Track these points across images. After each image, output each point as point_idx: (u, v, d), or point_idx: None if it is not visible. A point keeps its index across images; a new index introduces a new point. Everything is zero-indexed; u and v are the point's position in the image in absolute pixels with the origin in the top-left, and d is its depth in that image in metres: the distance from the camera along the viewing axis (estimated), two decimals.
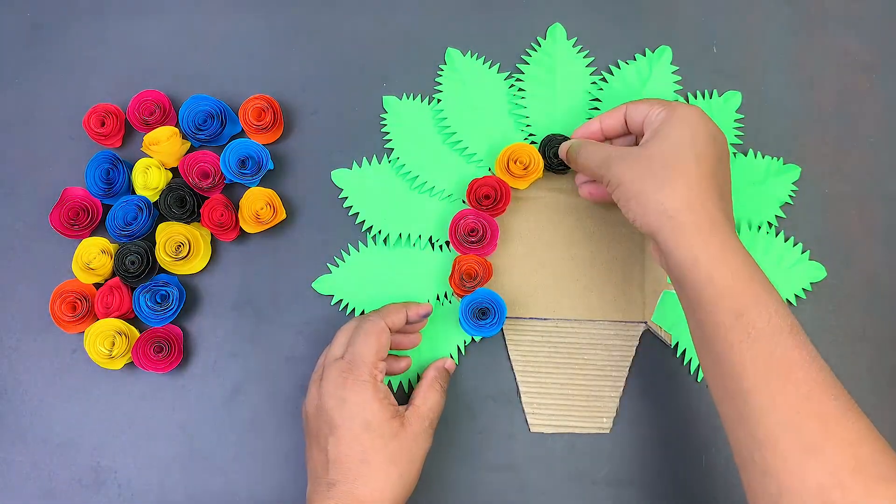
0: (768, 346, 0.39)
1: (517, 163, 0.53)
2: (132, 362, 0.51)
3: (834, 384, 0.38)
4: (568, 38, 0.58)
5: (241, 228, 0.53)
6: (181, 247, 0.52)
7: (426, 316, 0.50)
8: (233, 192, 0.55)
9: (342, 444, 0.43)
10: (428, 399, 0.47)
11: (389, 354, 0.48)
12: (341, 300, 0.54)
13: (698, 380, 0.53)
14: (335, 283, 0.54)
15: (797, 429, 0.37)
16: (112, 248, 0.52)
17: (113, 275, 0.53)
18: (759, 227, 0.55)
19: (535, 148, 0.54)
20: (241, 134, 0.56)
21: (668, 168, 0.43)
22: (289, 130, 0.57)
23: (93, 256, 0.52)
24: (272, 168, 0.54)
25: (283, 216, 0.53)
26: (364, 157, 0.56)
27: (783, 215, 0.55)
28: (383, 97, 0.57)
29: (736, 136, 0.57)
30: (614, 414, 0.53)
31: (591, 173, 0.48)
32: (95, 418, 0.53)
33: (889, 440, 0.53)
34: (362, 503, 0.42)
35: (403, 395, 0.53)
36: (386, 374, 0.47)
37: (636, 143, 0.49)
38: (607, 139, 0.51)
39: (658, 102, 0.47)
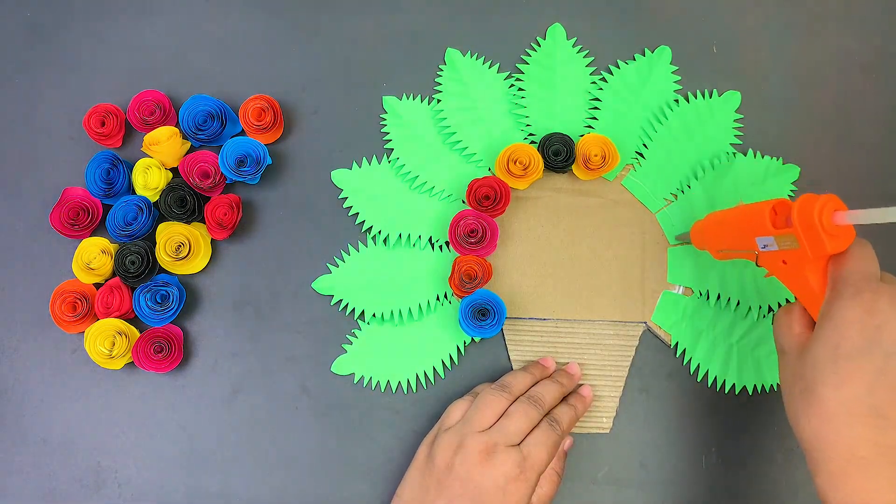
0: None
1: (517, 163, 0.53)
2: (132, 362, 0.51)
3: None
4: (568, 38, 0.58)
5: (234, 229, 0.53)
6: (181, 247, 0.52)
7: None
8: (235, 192, 0.55)
9: None
10: (545, 494, 0.47)
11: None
12: (341, 300, 0.54)
13: (698, 380, 0.53)
14: (335, 283, 0.54)
15: None
16: (112, 248, 0.52)
17: (113, 275, 0.53)
18: None
19: (534, 148, 0.54)
20: (242, 134, 0.56)
21: (806, 392, 0.37)
22: (289, 130, 0.57)
23: (93, 256, 0.52)
24: (270, 163, 0.54)
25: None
26: (364, 157, 0.56)
27: None
28: (383, 97, 0.57)
29: (736, 136, 0.57)
30: (614, 414, 0.53)
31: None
32: (95, 418, 0.53)
33: None
34: None
35: (402, 396, 0.53)
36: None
37: None
38: None
39: (840, 277, 0.38)
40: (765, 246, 0.42)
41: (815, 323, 0.40)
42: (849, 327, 0.36)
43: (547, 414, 0.48)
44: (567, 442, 0.50)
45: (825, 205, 0.38)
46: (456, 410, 0.48)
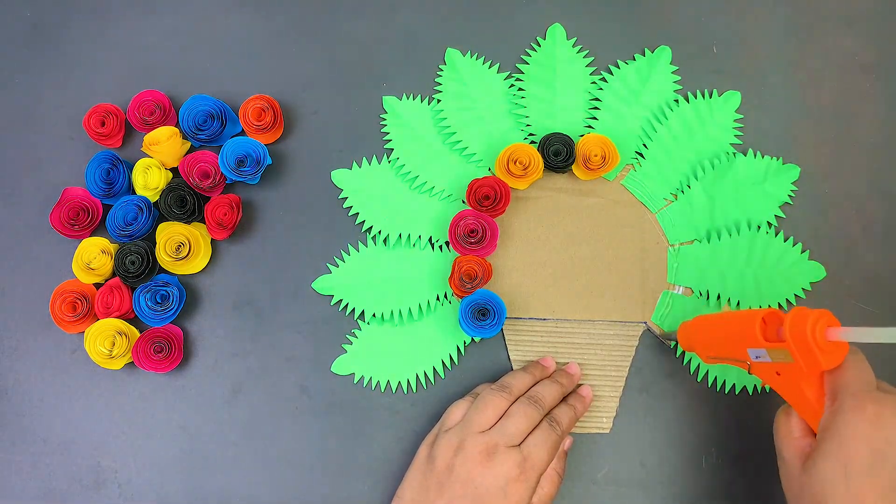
0: None
1: (517, 163, 0.53)
2: (132, 362, 0.51)
3: None
4: (568, 38, 0.58)
5: (234, 229, 0.54)
6: (181, 247, 0.52)
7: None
8: (235, 192, 0.55)
9: None
10: (545, 494, 0.47)
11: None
12: (341, 300, 0.54)
13: (698, 380, 0.53)
14: (335, 283, 0.54)
15: None
16: (112, 248, 0.52)
17: (113, 275, 0.53)
18: (759, 227, 0.55)
19: (534, 148, 0.54)
20: (242, 134, 0.56)
21: None
22: (289, 130, 0.57)
23: (93, 256, 0.52)
24: (270, 163, 0.54)
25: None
26: (364, 157, 0.56)
27: (783, 215, 0.55)
28: (383, 97, 0.57)
29: (736, 136, 0.57)
30: (614, 414, 0.53)
31: None
32: (95, 418, 0.53)
33: None
34: None
35: (402, 396, 0.53)
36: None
37: None
38: None
39: (837, 389, 0.38)
40: (757, 357, 0.41)
41: (813, 430, 0.40)
42: (857, 443, 0.36)
43: (547, 414, 0.48)
44: (567, 442, 0.50)
45: (817, 321, 0.37)
46: (456, 411, 0.48)
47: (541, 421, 0.47)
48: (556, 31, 0.58)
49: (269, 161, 0.54)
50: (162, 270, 0.53)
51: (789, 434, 0.41)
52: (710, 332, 0.46)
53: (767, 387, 0.53)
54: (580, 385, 0.52)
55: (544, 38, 0.58)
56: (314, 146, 0.57)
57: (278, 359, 0.53)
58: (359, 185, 0.55)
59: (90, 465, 0.52)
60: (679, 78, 0.58)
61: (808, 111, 0.58)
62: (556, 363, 0.52)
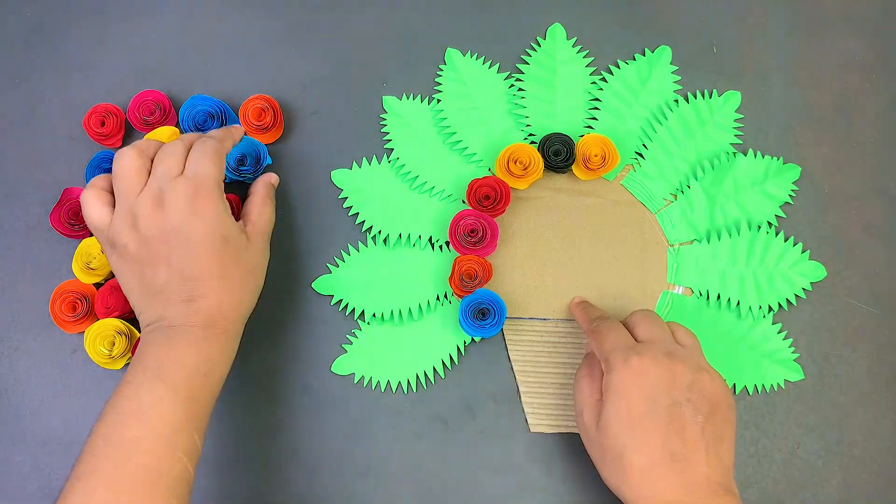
0: None
1: (517, 163, 0.53)
2: None
3: None
4: (568, 38, 0.58)
5: None
6: None
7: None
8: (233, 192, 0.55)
9: (202, 260, 0.43)
10: (263, 214, 0.49)
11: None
12: (341, 300, 0.54)
13: None
14: (335, 283, 0.54)
15: None
16: None
17: (113, 275, 0.53)
18: (759, 227, 0.55)
19: (534, 148, 0.54)
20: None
21: (616, 460, 0.41)
22: (289, 130, 0.57)
23: (93, 256, 0.52)
24: (270, 163, 0.54)
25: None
26: (364, 157, 0.56)
27: (783, 215, 0.55)
28: (383, 97, 0.57)
29: (736, 136, 0.57)
30: None
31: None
32: (95, 418, 0.52)
33: (889, 440, 0.53)
34: (226, 315, 0.44)
35: (402, 396, 0.53)
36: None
37: None
38: None
39: (607, 352, 0.44)
40: None
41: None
42: (630, 394, 0.41)
43: None
44: (273, 177, 0.52)
45: None
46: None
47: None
48: (556, 31, 0.58)
49: (268, 160, 0.54)
50: None
51: (588, 398, 0.45)
52: None
53: (767, 385, 0.53)
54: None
55: (544, 38, 0.58)
56: (314, 146, 0.57)
57: (278, 359, 0.53)
58: (359, 185, 0.55)
59: None
60: (679, 78, 0.58)
61: (808, 111, 0.58)
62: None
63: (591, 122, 0.57)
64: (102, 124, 0.54)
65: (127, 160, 0.45)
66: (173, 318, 0.43)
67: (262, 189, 0.50)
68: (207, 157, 0.45)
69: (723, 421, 0.42)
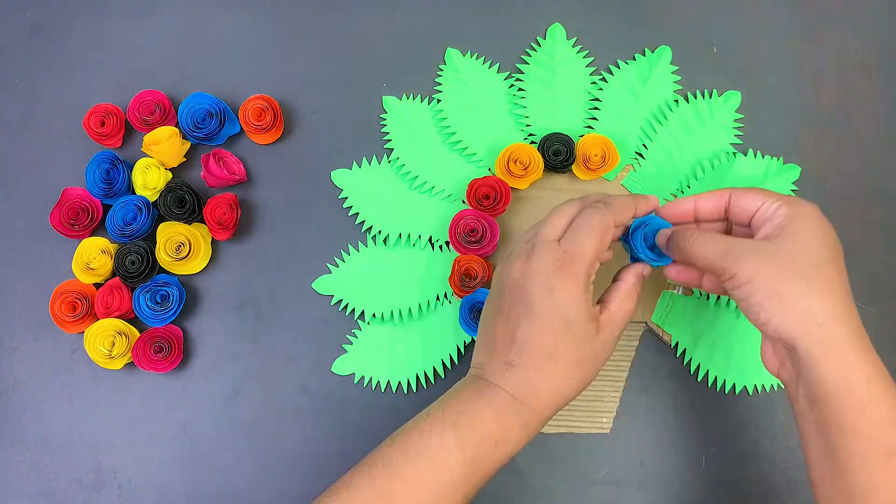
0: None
1: (517, 163, 0.53)
2: (132, 362, 0.51)
3: None
4: (568, 38, 0.58)
5: (235, 228, 0.53)
6: (181, 247, 0.52)
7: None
8: (238, 191, 0.55)
9: (536, 332, 0.40)
10: (624, 305, 0.43)
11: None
12: (341, 300, 0.54)
13: (698, 380, 0.53)
14: (335, 283, 0.54)
15: None
16: (112, 248, 0.52)
17: (113, 275, 0.53)
18: None
19: (535, 148, 0.54)
20: (241, 134, 0.56)
21: (814, 270, 0.38)
22: (289, 130, 0.57)
23: (93, 256, 0.52)
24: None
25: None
26: (364, 157, 0.56)
27: None
28: (383, 97, 0.57)
29: (736, 136, 0.57)
30: (614, 414, 0.53)
31: (707, 265, 0.41)
32: (95, 418, 0.53)
33: None
34: (538, 396, 0.41)
35: (402, 396, 0.53)
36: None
37: (729, 232, 0.45)
38: (696, 221, 0.46)
39: (772, 195, 0.42)
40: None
41: None
42: (825, 225, 0.40)
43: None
44: (647, 269, 0.45)
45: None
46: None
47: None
48: (556, 31, 0.58)
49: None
50: (162, 270, 0.53)
51: (718, 239, 0.41)
52: None
53: (767, 385, 0.53)
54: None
55: (544, 38, 0.58)
56: (314, 146, 0.57)
57: (278, 359, 0.53)
58: (359, 185, 0.55)
59: (90, 465, 0.52)
60: (679, 78, 0.58)
61: (808, 111, 0.58)
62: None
63: (591, 122, 0.57)
64: (102, 124, 0.54)
65: (558, 214, 0.44)
66: (491, 371, 0.41)
67: (631, 279, 0.44)
68: (588, 231, 0.42)
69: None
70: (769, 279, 0.39)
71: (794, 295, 0.38)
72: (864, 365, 0.37)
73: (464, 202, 0.55)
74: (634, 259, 0.46)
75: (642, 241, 0.45)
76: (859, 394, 0.37)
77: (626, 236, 0.46)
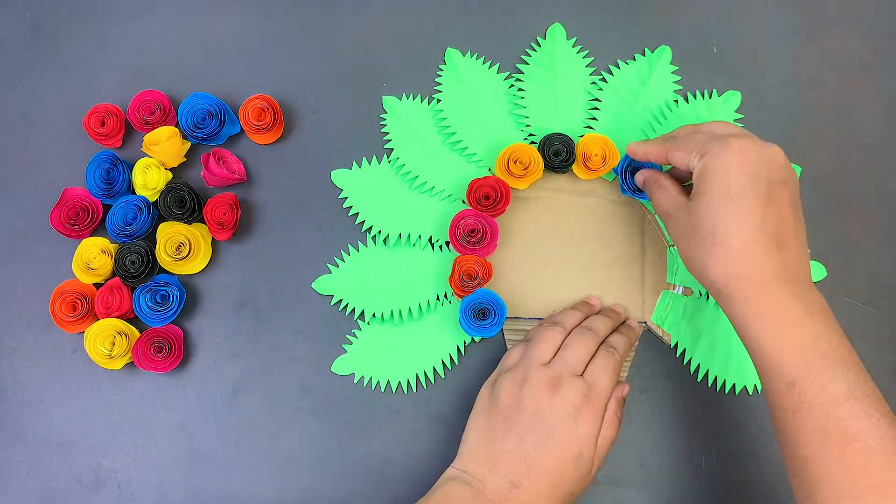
0: (820, 416, 0.38)
1: (517, 163, 0.53)
2: (132, 362, 0.51)
3: None
4: (568, 38, 0.58)
5: (235, 228, 0.53)
6: (181, 247, 0.52)
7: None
8: (238, 191, 0.55)
9: (551, 460, 0.43)
10: (608, 435, 0.46)
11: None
12: (341, 300, 0.54)
13: (698, 380, 0.53)
14: (335, 283, 0.54)
15: (855, 500, 0.37)
16: (112, 248, 0.52)
17: (113, 275, 0.53)
18: None
19: (534, 148, 0.54)
20: (241, 134, 0.56)
21: (709, 237, 0.41)
22: (289, 130, 0.57)
23: (93, 256, 0.52)
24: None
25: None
26: (364, 157, 0.56)
27: None
28: (383, 97, 0.57)
29: None
30: None
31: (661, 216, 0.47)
32: (95, 418, 0.53)
33: None
34: None
35: (402, 396, 0.53)
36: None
37: None
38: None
39: (697, 146, 0.43)
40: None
41: (686, 191, 0.45)
42: (732, 171, 0.41)
43: (601, 343, 0.48)
44: (625, 389, 0.49)
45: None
46: (514, 353, 0.48)
47: (597, 350, 0.47)
48: (556, 31, 0.58)
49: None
50: (162, 270, 0.53)
51: (669, 195, 0.46)
52: None
53: None
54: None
55: (544, 38, 0.58)
56: (314, 146, 0.57)
57: (278, 359, 0.53)
58: (359, 185, 0.55)
59: (90, 465, 0.52)
60: (679, 78, 0.58)
61: (808, 111, 0.58)
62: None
63: (591, 122, 0.57)
64: (102, 124, 0.54)
65: (550, 333, 0.48)
66: (493, 490, 0.43)
67: (613, 406, 0.47)
68: (609, 371, 0.46)
69: (799, 200, 0.43)
70: (682, 247, 0.44)
71: (696, 262, 0.42)
72: (760, 313, 0.40)
73: (464, 202, 0.55)
74: (624, 191, 0.53)
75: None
76: (756, 338, 0.40)
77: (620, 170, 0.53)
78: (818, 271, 0.54)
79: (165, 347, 0.51)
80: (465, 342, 0.53)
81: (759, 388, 0.53)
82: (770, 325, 0.40)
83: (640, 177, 0.50)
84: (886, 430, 0.37)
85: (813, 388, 0.38)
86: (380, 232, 0.54)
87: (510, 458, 0.43)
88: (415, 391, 0.53)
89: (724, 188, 0.41)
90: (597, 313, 0.51)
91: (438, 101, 0.57)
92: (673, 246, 0.55)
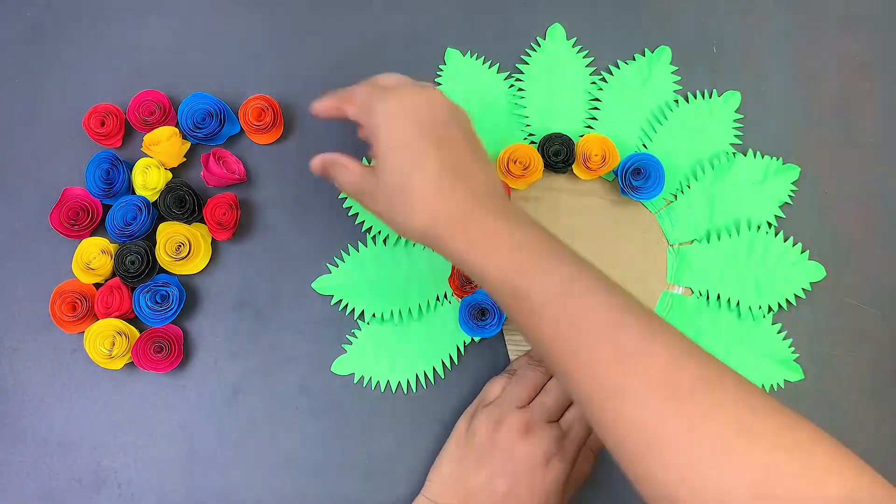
0: (551, 308, 0.38)
1: (517, 163, 0.53)
2: (132, 362, 0.51)
3: (633, 310, 0.38)
4: (568, 38, 0.58)
5: (235, 228, 0.53)
6: (181, 247, 0.52)
7: None
8: (238, 191, 0.55)
9: (522, 500, 0.45)
10: (582, 472, 0.48)
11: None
12: (341, 300, 0.54)
13: None
14: (335, 283, 0.54)
15: (600, 367, 0.37)
16: (112, 248, 0.52)
17: (113, 275, 0.53)
18: (759, 227, 0.55)
19: (534, 148, 0.54)
20: (241, 134, 0.56)
21: (398, 194, 0.41)
22: (289, 130, 0.57)
23: (93, 256, 0.52)
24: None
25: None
26: (364, 158, 0.56)
27: (783, 215, 0.55)
28: None
29: (736, 136, 0.57)
30: None
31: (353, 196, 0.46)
32: (95, 418, 0.53)
33: (889, 440, 0.53)
34: None
35: (402, 396, 0.53)
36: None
37: None
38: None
39: (364, 102, 0.43)
40: None
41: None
42: (396, 124, 0.41)
43: None
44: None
45: None
46: (495, 386, 0.49)
47: None
48: (556, 31, 0.58)
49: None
50: (162, 270, 0.53)
51: (354, 175, 0.44)
52: None
53: (767, 385, 0.53)
54: None
55: (544, 38, 0.58)
56: (314, 146, 0.56)
57: (278, 359, 0.53)
58: None
59: (90, 465, 0.52)
60: (679, 78, 0.58)
61: (808, 111, 0.58)
62: None
63: (591, 122, 0.57)
64: (102, 124, 0.54)
65: (532, 374, 0.49)
66: None
67: (589, 443, 0.49)
68: (585, 422, 0.47)
69: (472, 131, 0.44)
70: (382, 214, 0.43)
71: (399, 221, 0.42)
72: (469, 242, 0.40)
73: None
74: (624, 192, 0.53)
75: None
76: (473, 265, 0.40)
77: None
78: (818, 271, 0.54)
79: (165, 347, 0.51)
80: (464, 342, 0.53)
81: (759, 387, 0.53)
82: (481, 248, 0.39)
83: (316, 163, 0.48)
84: (607, 301, 0.38)
85: (534, 286, 0.38)
86: (380, 232, 0.54)
87: (482, 497, 0.45)
88: (415, 391, 0.53)
89: (395, 141, 0.41)
90: None
91: None
92: (672, 245, 0.55)
